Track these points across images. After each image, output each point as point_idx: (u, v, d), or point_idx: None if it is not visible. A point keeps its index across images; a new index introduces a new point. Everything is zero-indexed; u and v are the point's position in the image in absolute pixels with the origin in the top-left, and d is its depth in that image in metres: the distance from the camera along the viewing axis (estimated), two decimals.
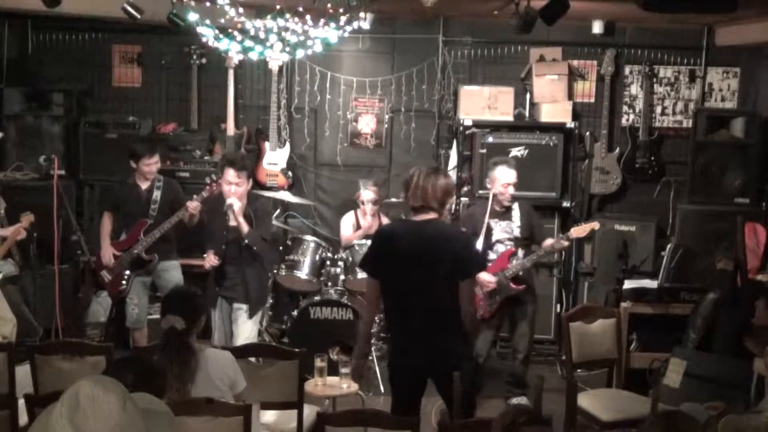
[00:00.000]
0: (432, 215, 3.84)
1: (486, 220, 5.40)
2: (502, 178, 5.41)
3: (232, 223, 5.11)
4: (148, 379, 2.61)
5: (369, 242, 6.00)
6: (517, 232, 5.47)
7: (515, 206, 5.51)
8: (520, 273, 5.40)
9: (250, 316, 5.16)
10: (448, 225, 4.33)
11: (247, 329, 5.16)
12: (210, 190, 5.21)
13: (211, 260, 5.13)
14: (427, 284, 3.78)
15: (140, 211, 5.66)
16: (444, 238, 3.83)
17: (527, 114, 6.95)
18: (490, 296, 5.41)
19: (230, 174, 4.99)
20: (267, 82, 6.99)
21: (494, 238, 5.45)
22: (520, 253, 5.48)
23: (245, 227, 5.04)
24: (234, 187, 5.01)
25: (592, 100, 7.01)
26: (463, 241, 4.02)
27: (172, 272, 5.76)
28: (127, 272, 5.65)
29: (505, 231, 5.46)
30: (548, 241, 5.47)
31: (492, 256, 5.45)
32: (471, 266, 3.90)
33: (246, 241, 5.06)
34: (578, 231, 5.43)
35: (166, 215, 5.54)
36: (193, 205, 5.34)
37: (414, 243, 3.80)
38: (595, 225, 5.47)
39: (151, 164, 5.64)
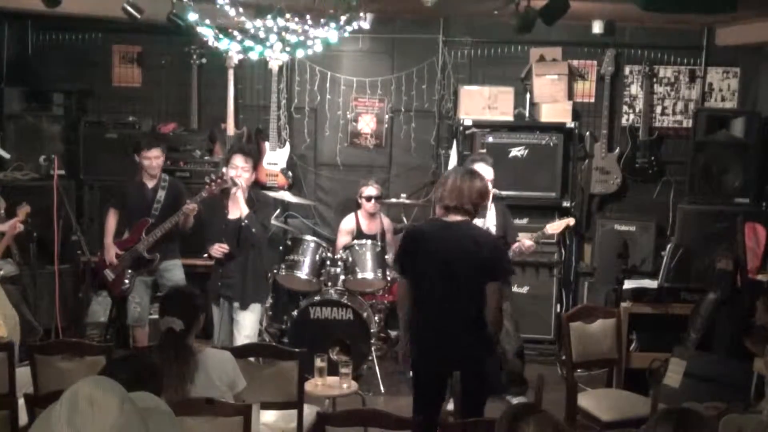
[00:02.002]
0: (463, 217, 3.86)
1: None
2: (487, 175, 5.40)
3: (231, 216, 5.15)
4: (144, 378, 2.58)
5: (368, 242, 6.05)
6: (492, 230, 5.47)
7: (491, 206, 5.51)
8: None
9: (242, 307, 5.17)
10: (479, 228, 4.32)
11: (247, 327, 5.18)
12: (209, 191, 5.18)
13: (219, 249, 5.15)
14: (455, 285, 3.80)
15: (143, 209, 5.65)
16: (474, 241, 3.85)
17: (527, 114, 6.95)
18: None
19: (238, 159, 5.17)
20: (267, 82, 6.98)
21: None
22: None
23: (246, 209, 5.11)
24: (241, 171, 5.14)
25: (592, 100, 7.01)
26: (493, 244, 4.00)
27: (175, 272, 5.76)
28: (130, 271, 5.64)
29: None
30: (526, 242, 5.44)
31: None
32: (500, 269, 3.91)
33: (245, 221, 5.09)
34: (554, 227, 5.44)
35: (168, 215, 5.52)
36: (190, 207, 5.34)
37: (444, 243, 3.83)
38: (570, 221, 5.47)
39: (150, 157, 5.61)
